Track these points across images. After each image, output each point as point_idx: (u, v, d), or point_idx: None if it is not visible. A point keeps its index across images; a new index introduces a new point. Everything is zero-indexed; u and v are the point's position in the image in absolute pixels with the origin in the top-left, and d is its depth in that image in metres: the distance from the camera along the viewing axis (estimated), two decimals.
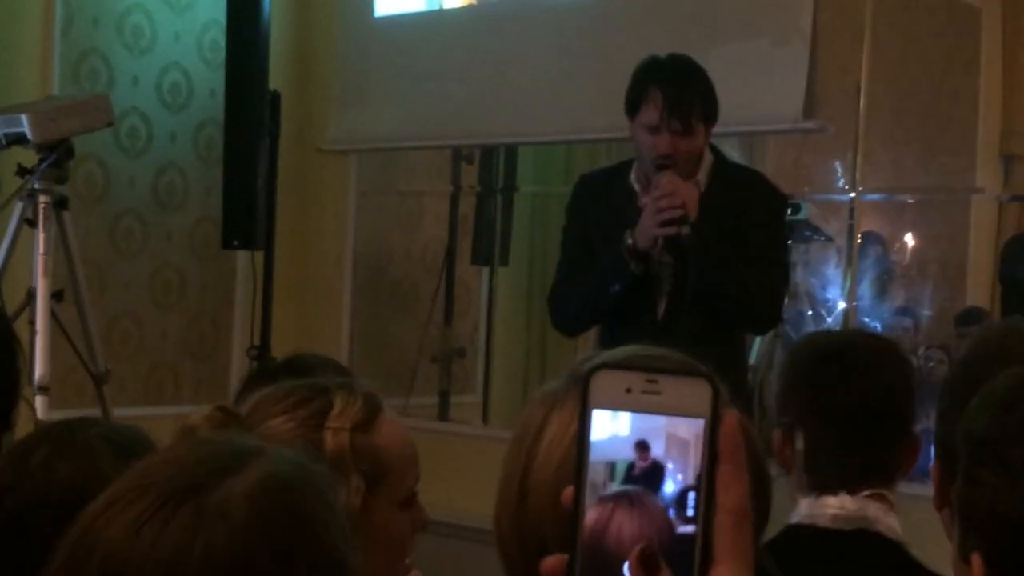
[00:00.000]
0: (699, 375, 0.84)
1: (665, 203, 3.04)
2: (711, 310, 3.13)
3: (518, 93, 4.72)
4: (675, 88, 3.13)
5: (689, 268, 3.12)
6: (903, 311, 5.83)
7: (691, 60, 3.24)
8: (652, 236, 3.07)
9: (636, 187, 3.22)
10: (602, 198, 3.30)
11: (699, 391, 0.83)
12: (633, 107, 3.17)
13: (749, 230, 3.15)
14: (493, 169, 5.58)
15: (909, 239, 6.33)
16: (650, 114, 3.11)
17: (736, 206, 3.15)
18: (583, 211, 3.34)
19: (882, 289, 5.93)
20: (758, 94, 4.06)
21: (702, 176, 3.18)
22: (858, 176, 4.23)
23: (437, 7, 5.05)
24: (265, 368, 2.09)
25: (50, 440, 1.49)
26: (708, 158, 3.22)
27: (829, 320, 5.31)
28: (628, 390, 0.83)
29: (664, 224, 3.05)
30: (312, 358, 2.06)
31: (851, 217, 4.48)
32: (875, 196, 5.15)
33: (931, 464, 1.54)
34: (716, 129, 4.21)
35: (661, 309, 3.15)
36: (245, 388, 2.00)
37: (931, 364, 5.35)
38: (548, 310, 3.47)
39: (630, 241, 3.10)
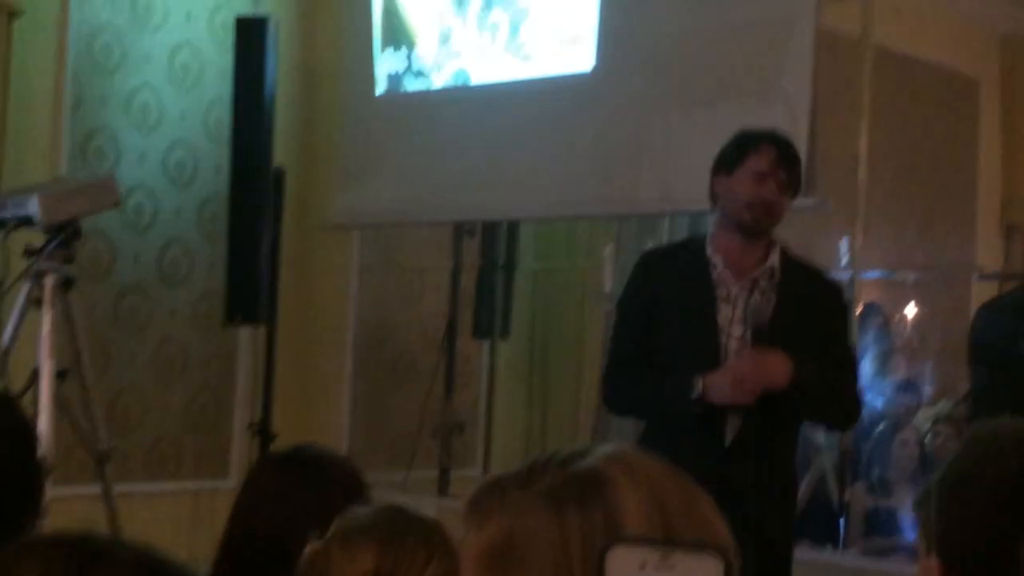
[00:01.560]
0: (715, 550, 0.86)
1: (750, 382, 2.95)
2: (799, 410, 3.09)
3: (518, 169, 4.76)
4: (788, 145, 3.15)
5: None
6: (905, 386, 5.82)
7: None
8: (725, 401, 2.98)
9: (715, 259, 3.12)
10: (670, 272, 3.20)
11: (712, 570, 0.85)
12: (738, 157, 3.11)
13: (820, 325, 3.09)
14: (495, 244, 5.61)
15: (910, 311, 6.34)
16: (760, 160, 3.08)
17: (807, 302, 3.10)
18: (647, 288, 3.22)
19: (883, 363, 5.93)
20: None
21: (773, 260, 3.12)
22: (858, 252, 4.25)
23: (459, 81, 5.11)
24: (273, 458, 2.08)
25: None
26: (776, 245, 3.17)
27: None
28: (643, 566, 0.85)
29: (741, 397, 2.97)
30: (316, 449, 2.07)
31: (851, 291, 4.48)
32: (875, 273, 5.17)
33: (921, 559, 1.53)
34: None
35: (729, 435, 3.04)
36: (255, 477, 2.00)
37: (939, 440, 5.35)
38: (602, 388, 3.39)
39: (699, 390, 2.99)
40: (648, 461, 1.06)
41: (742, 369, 2.97)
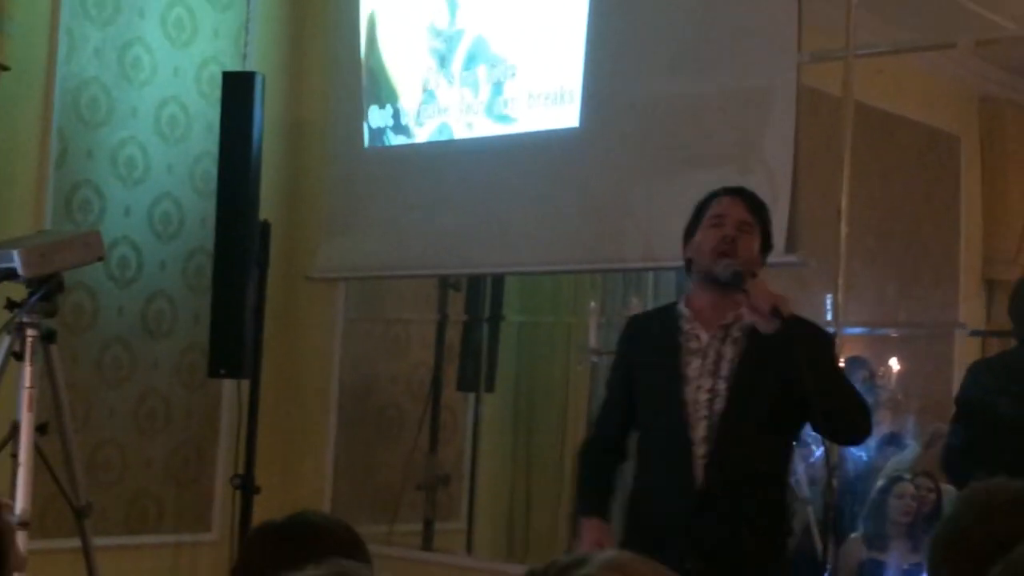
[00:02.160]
0: None
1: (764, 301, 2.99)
2: (826, 414, 2.98)
3: (504, 223, 4.78)
4: (743, 192, 3.25)
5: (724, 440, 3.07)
6: (890, 439, 5.84)
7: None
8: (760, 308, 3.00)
9: (685, 311, 3.18)
10: (646, 335, 3.29)
11: None
12: (696, 217, 3.22)
13: (802, 353, 2.95)
14: (480, 297, 5.63)
15: (894, 364, 6.36)
16: (717, 206, 3.18)
17: (779, 346, 2.99)
18: (630, 351, 3.32)
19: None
20: None
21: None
22: (840, 308, 4.27)
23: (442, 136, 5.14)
24: (270, 528, 2.00)
25: None
26: None
27: (817, 452, 5.31)
28: None
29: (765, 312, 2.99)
30: (316, 517, 2.01)
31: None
32: (858, 330, 5.19)
33: None
34: None
35: (698, 481, 3.06)
36: (250, 552, 1.96)
37: (921, 492, 5.36)
38: (578, 454, 3.52)
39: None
40: (644, 567, 1.06)
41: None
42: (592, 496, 3.27)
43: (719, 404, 3.07)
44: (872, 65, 4.85)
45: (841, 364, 4.45)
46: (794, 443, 3.32)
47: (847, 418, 3.07)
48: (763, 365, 3.05)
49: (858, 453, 5.48)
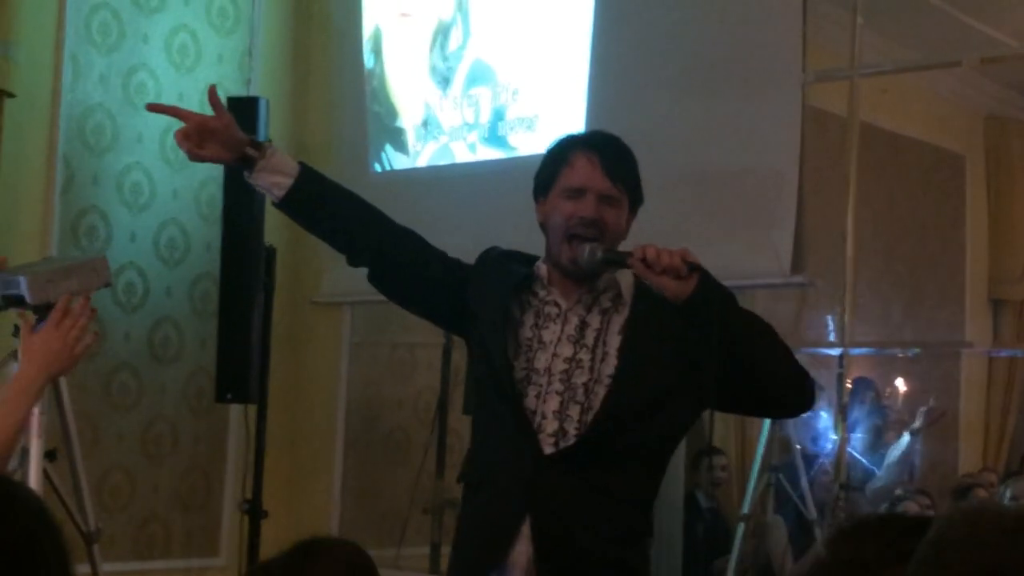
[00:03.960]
0: None
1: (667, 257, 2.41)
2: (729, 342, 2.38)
3: (510, 246, 4.77)
4: (606, 149, 2.63)
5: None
6: (898, 459, 5.82)
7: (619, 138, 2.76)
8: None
9: (543, 273, 2.64)
10: (497, 283, 2.66)
11: None
12: (549, 179, 2.64)
13: (714, 319, 2.37)
14: None
15: (900, 385, 6.35)
16: (572, 175, 2.59)
17: (669, 321, 2.46)
18: (475, 289, 2.70)
19: (876, 436, 5.93)
20: (746, 249, 4.11)
21: (625, 294, 2.59)
22: (846, 328, 4.27)
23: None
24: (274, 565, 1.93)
25: None
26: (629, 276, 2.59)
27: (825, 460, 5.30)
28: None
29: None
30: (320, 543, 1.95)
31: (840, 366, 4.49)
32: (864, 350, 5.19)
33: None
34: None
35: (547, 446, 2.49)
36: None
37: (924, 512, 5.35)
38: None
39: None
40: None
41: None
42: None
43: (580, 377, 2.52)
44: (877, 85, 4.87)
45: (848, 385, 4.47)
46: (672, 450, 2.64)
47: (783, 378, 2.47)
48: (651, 336, 2.52)
49: (870, 467, 5.48)
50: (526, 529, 2.47)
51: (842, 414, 4.36)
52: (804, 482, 4.99)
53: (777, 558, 5.24)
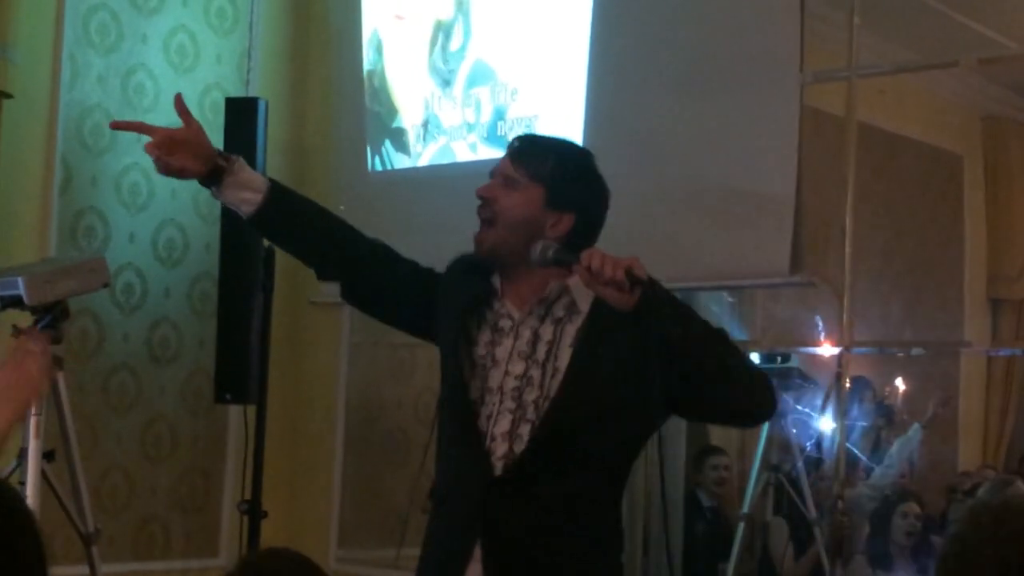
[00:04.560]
0: None
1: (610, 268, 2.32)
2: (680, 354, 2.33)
3: None
4: (523, 141, 2.69)
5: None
6: (899, 451, 5.82)
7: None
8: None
9: (496, 285, 2.60)
10: (458, 294, 2.62)
11: None
12: None
13: (668, 327, 2.34)
14: None
15: (900, 384, 6.35)
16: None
17: (626, 326, 2.37)
18: (443, 300, 2.67)
19: (875, 436, 5.93)
20: (744, 249, 4.12)
21: (581, 301, 2.49)
22: (845, 328, 4.27)
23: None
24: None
25: None
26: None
27: (824, 460, 5.30)
28: None
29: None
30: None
31: (839, 365, 4.49)
32: (863, 350, 5.19)
33: None
34: (703, 283, 4.27)
35: (497, 467, 2.44)
36: None
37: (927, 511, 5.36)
38: None
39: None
40: None
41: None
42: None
43: (530, 394, 2.47)
44: (875, 85, 4.87)
45: (847, 386, 4.47)
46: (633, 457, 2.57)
47: (738, 388, 2.39)
48: (602, 348, 2.44)
49: (870, 465, 5.49)
50: (478, 552, 2.44)
51: (841, 414, 4.36)
52: (804, 481, 4.99)
53: (778, 558, 5.25)
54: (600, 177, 2.68)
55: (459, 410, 2.52)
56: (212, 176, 2.62)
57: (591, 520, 2.48)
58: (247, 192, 2.63)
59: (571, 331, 2.50)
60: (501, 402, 2.48)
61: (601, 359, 2.45)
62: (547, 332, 2.51)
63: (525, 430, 2.46)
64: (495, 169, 2.65)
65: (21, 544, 1.67)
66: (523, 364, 2.49)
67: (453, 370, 2.54)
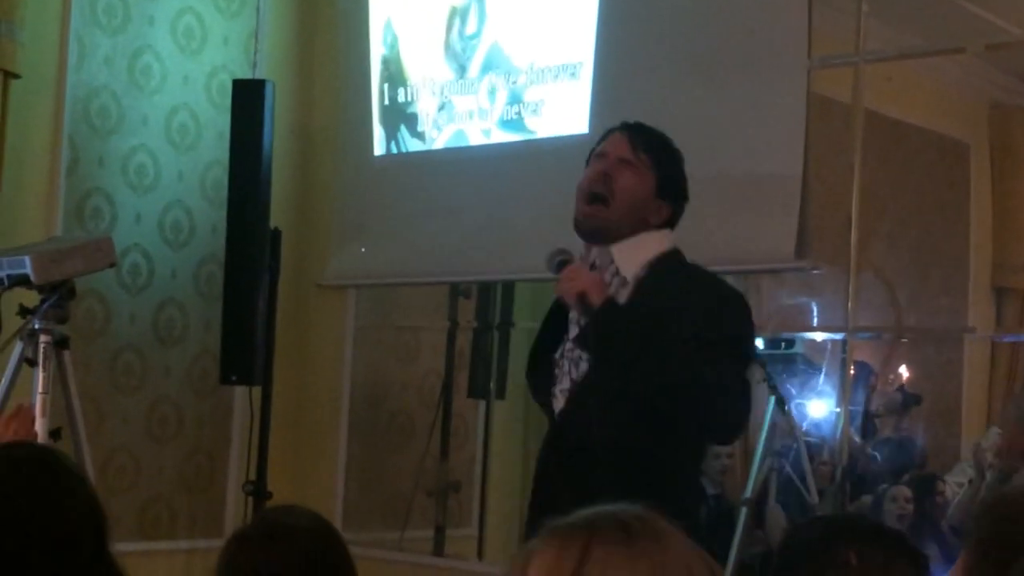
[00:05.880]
0: None
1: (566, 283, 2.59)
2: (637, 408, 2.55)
3: (514, 230, 4.79)
4: (632, 128, 2.77)
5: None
6: (899, 445, 5.84)
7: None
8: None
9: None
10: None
11: None
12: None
13: (690, 325, 2.54)
14: (490, 304, 5.63)
15: (904, 371, 6.36)
16: (600, 147, 2.75)
17: (675, 297, 2.58)
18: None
19: (876, 421, 5.94)
20: (750, 234, 4.12)
21: (627, 271, 2.68)
22: (850, 313, 4.28)
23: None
24: (242, 537, 1.99)
25: None
26: (654, 247, 2.71)
27: (827, 445, 5.31)
28: None
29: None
30: (284, 518, 1.99)
31: (843, 351, 4.50)
32: (867, 335, 5.20)
33: None
34: (709, 268, 4.27)
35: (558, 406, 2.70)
36: (229, 559, 1.96)
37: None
38: None
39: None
40: None
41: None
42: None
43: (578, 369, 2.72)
44: (881, 72, 4.86)
45: (851, 371, 4.47)
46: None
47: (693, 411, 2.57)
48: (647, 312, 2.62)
49: (873, 453, 5.50)
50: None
51: (845, 399, 4.38)
52: (806, 467, 5.00)
53: (776, 546, 5.25)
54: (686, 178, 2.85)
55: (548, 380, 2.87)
56: None
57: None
58: None
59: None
60: (561, 369, 2.82)
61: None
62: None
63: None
64: (602, 150, 2.74)
65: (69, 505, 1.69)
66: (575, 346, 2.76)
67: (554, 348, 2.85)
